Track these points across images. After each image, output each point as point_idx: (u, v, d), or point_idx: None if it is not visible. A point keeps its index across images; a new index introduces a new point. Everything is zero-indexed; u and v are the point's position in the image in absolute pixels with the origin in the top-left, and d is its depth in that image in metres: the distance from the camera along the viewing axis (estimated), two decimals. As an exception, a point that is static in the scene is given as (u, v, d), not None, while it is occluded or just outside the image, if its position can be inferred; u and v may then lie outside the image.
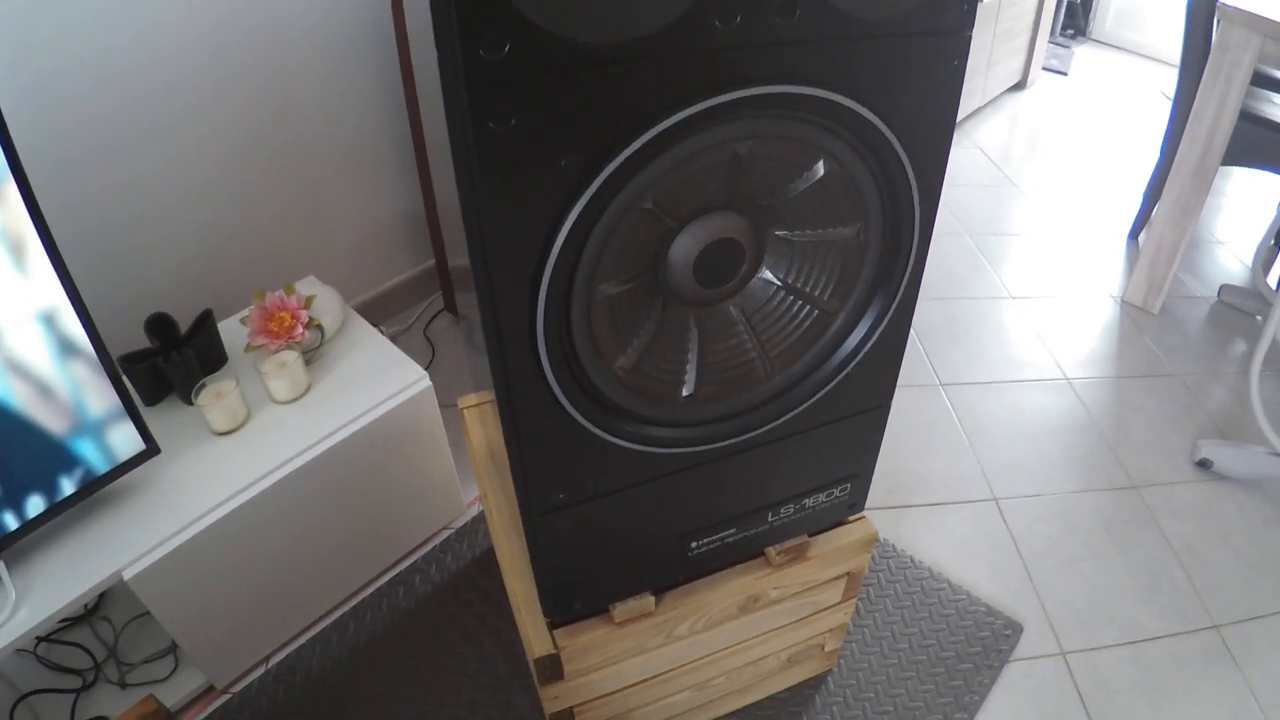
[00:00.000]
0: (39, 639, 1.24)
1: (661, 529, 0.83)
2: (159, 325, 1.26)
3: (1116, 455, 1.60)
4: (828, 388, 0.77)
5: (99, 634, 1.27)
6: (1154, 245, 1.95)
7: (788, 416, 0.78)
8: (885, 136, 0.64)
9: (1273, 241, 2.13)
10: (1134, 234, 2.24)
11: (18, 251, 0.95)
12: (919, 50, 0.63)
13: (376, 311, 1.77)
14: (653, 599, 0.89)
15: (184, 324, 1.26)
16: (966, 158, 2.60)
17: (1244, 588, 1.39)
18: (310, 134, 1.53)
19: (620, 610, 0.88)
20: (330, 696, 1.19)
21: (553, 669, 0.89)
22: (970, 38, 0.65)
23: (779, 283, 0.72)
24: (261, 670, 1.23)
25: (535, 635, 0.88)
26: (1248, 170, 2.55)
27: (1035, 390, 1.74)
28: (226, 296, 1.44)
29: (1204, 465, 1.59)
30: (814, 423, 0.81)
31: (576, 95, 0.53)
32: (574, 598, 0.84)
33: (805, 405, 0.78)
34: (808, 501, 0.89)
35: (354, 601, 1.31)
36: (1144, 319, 1.97)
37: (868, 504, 0.97)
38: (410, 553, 1.36)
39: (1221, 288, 2.09)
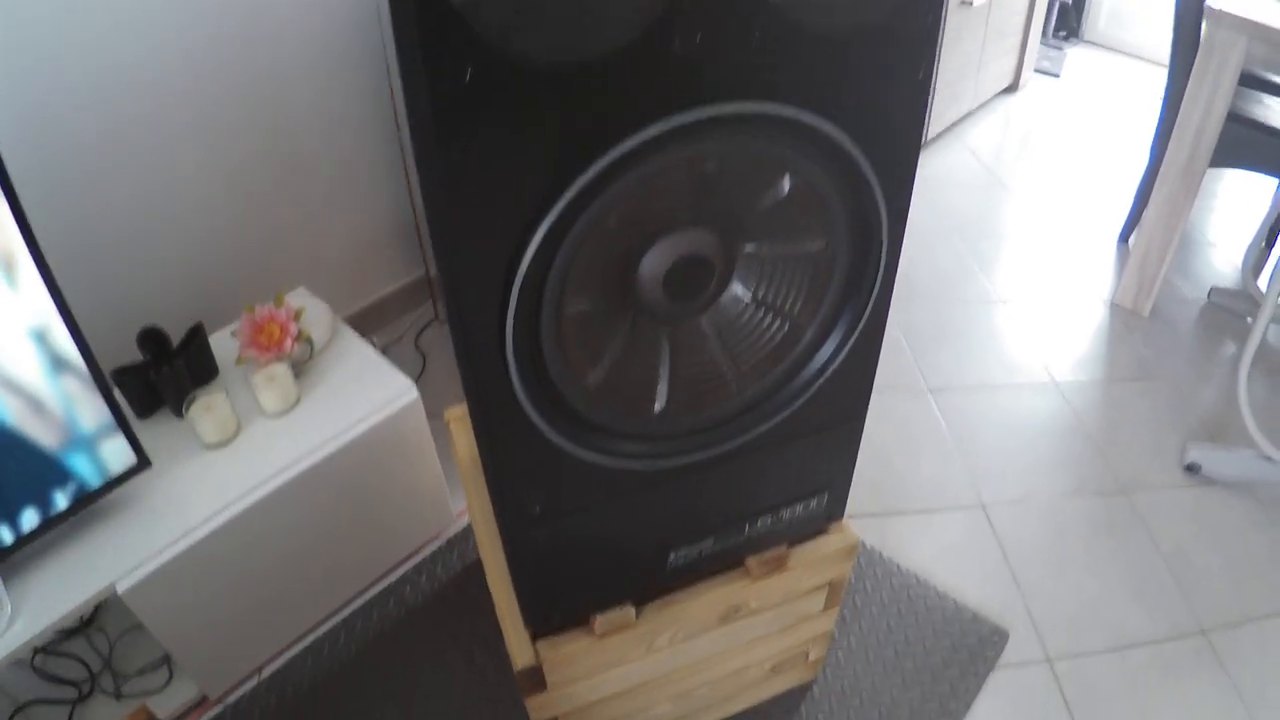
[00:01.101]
0: (36, 650, 1.25)
1: (639, 540, 0.83)
2: (151, 338, 1.26)
3: (1105, 459, 1.60)
4: (799, 401, 0.77)
5: (94, 645, 1.28)
6: (1143, 247, 1.95)
7: (760, 429, 0.78)
8: (849, 152, 0.65)
9: (1263, 243, 2.12)
10: (1124, 236, 2.24)
11: (9, 268, 0.96)
12: (883, 64, 0.63)
13: (369, 322, 1.78)
14: (633, 610, 0.89)
15: (176, 337, 1.27)
16: (958, 160, 2.60)
17: (1232, 591, 1.39)
18: (302, 148, 1.54)
19: (601, 622, 0.88)
20: (322, 706, 1.20)
21: (535, 680, 0.89)
22: (937, 49, 0.65)
23: (749, 297, 0.72)
24: (254, 681, 1.24)
25: (518, 646, 0.88)
26: (1239, 171, 2.54)
27: (1024, 394, 1.74)
28: (219, 309, 1.45)
29: (1193, 469, 1.59)
30: (788, 435, 0.81)
31: (539, 117, 0.53)
32: (554, 609, 0.84)
33: (778, 418, 0.78)
34: (784, 513, 0.89)
35: (345, 612, 1.31)
36: (1134, 321, 1.97)
37: (853, 511, 0.97)
38: (400, 563, 1.37)
39: (1211, 290, 2.09)
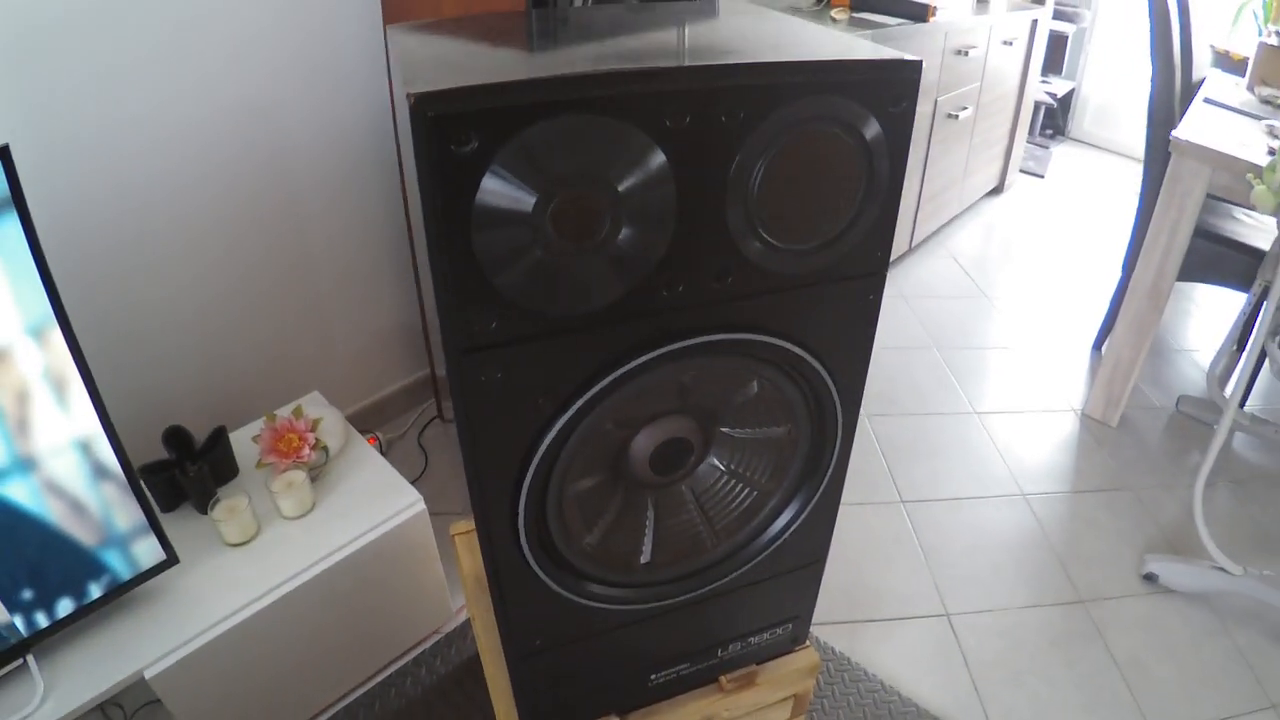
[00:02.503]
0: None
1: (625, 664, 0.96)
2: (175, 437, 1.40)
3: (1066, 570, 1.73)
4: (766, 553, 0.91)
5: (110, 718, 1.38)
6: (1112, 361, 2.11)
7: (731, 576, 0.92)
8: (810, 363, 0.79)
9: (1234, 348, 2.28)
10: (1098, 344, 2.40)
11: (60, 388, 1.09)
12: (839, 293, 0.79)
13: (373, 418, 1.92)
14: (617, 723, 1.02)
15: (196, 432, 1.40)
16: (940, 268, 2.77)
17: (1185, 700, 1.50)
18: (314, 254, 1.70)
19: (587, 734, 1.00)
20: (321, 795, 1.30)
21: (526, 786, 1.01)
22: (883, 280, 0.81)
23: (723, 469, 0.86)
24: (258, 766, 1.34)
25: (511, 755, 1.00)
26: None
27: (992, 506, 1.88)
28: (236, 405, 1.59)
29: (1150, 579, 1.72)
30: (756, 579, 0.95)
31: (548, 353, 0.68)
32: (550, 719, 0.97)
33: (747, 567, 0.92)
34: (754, 639, 1.02)
35: (349, 699, 1.42)
36: (1102, 432, 2.12)
37: (826, 618, 1.10)
38: (401, 655, 1.48)
39: (1180, 399, 2.24)
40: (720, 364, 0.77)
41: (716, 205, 0.68)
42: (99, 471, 1.16)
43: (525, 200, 0.60)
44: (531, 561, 0.78)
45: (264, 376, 1.71)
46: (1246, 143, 1.91)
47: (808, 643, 1.13)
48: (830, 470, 0.87)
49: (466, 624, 1.54)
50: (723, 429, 0.84)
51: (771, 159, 0.67)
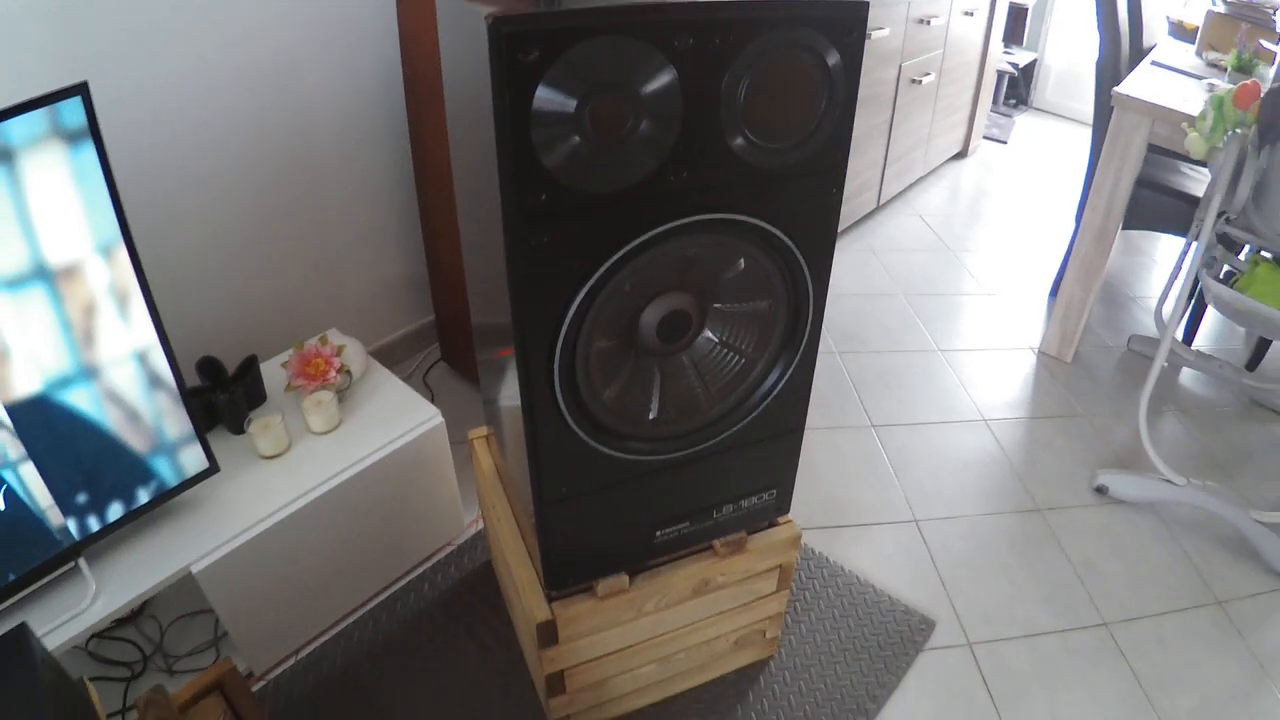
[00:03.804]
0: (92, 636, 1.54)
1: (634, 519, 1.19)
2: (209, 366, 1.61)
3: (1024, 484, 2.01)
4: (752, 415, 1.15)
5: (144, 633, 1.57)
6: (1065, 301, 2.39)
7: (724, 436, 1.15)
8: (786, 243, 1.04)
9: (1187, 299, 2.58)
10: (1054, 291, 2.69)
11: (122, 302, 1.28)
12: (808, 185, 1.03)
13: (381, 359, 2.13)
14: (627, 578, 1.25)
15: (227, 364, 1.61)
16: (908, 224, 3.06)
17: (1132, 593, 1.77)
18: (329, 208, 1.92)
19: (602, 586, 1.23)
20: (353, 683, 1.51)
21: (549, 634, 1.24)
22: (843, 177, 1.05)
23: (716, 340, 1.10)
24: (292, 661, 1.55)
25: (537, 607, 1.23)
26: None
27: (955, 430, 2.15)
28: (259, 342, 1.80)
29: (1101, 491, 2.00)
30: (745, 442, 1.19)
31: (584, 223, 0.91)
32: (568, 573, 1.20)
33: (737, 428, 1.16)
34: (743, 503, 1.26)
35: (371, 604, 1.64)
36: (1058, 367, 2.40)
37: (806, 524, 1.34)
38: (418, 565, 1.70)
39: (1130, 338, 2.53)
40: (714, 241, 1.00)
41: (712, 109, 0.91)
42: (153, 382, 1.35)
43: (569, 102, 0.83)
44: (563, 408, 1.01)
45: (284, 316, 1.92)
46: (1188, 99, 2.19)
47: (789, 518, 1.37)
48: (805, 339, 1.11)
49: (476, 537, 1.76)
50: (715, 305, 1.08)
51: (755, 75, 0.91)
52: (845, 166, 1.05)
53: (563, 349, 0.97)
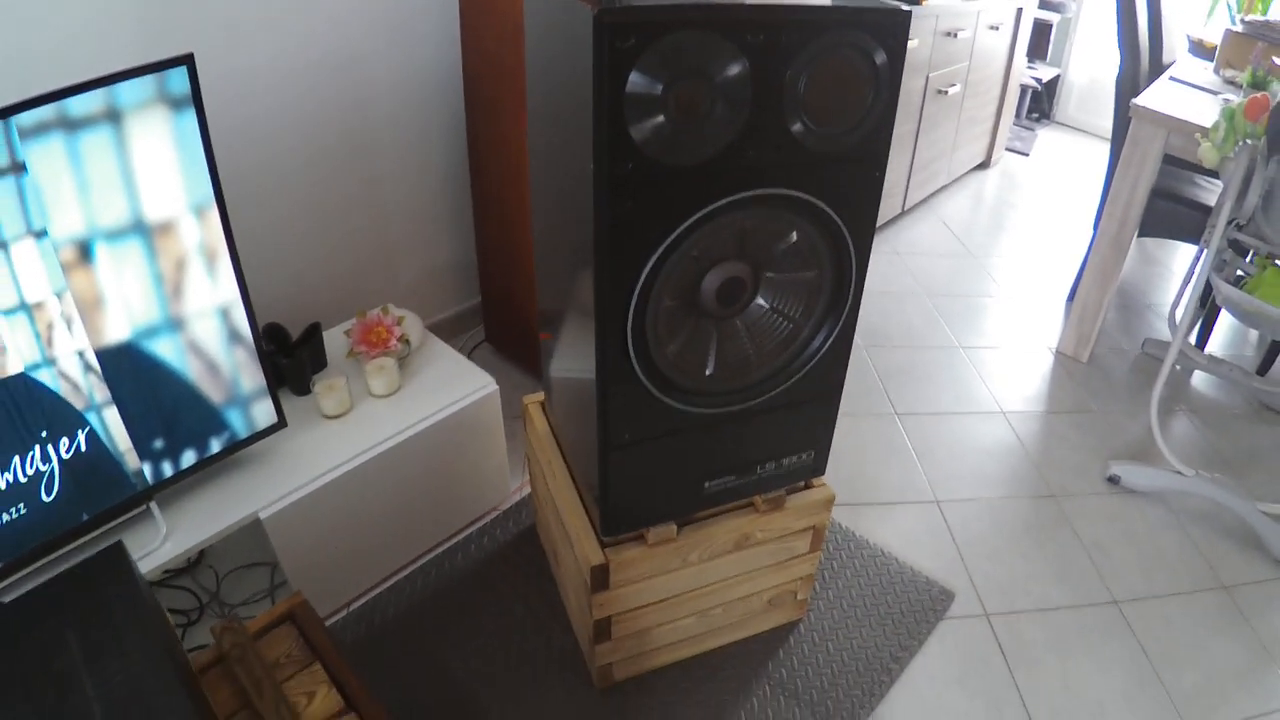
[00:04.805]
0: (151, 583, 1.69)
1: (686, 469, 1.35)
2: (274, 333, 1.77)
3: (1040, 472, 2.16)
4: (796, 377, 1.31)
5: (201, 583, 1.72)
6: (1082, 303, 2.56)
7: (771, 394, 1.32)
8: (833, 219, 1.20)
9: (1200, 304, 2.74)
10: (1072, 296, 2.85)
11: (211, 259, 1.40)
12: (855, 169, 1.20)
13: (429, 339, 2.31)
14: (675, 528, 1.41)
15: (290, 333, 1.78)
16: (930, 230, 3.24)
17: (1141, 576, 1.92)
18: (386, 196, 2.09)
19: (653, 534, 1.39)
20: (403, 633, 1.67)
21: (602, 577, 1.39)
22: (885, 163, 1.22)
23: (767, 306, 1.27)
24: (345, 612, 1.70)
25: (592, 552, 1.38)
26: (1178, 242, 3.20)
27: (975, 420, 2.31)
28: (319, 315, 1.96)
29: (1113, 481, 2.15)
30: (787, 401, 1.35)
31: (663, 191, 1.08)
32: (624, 519, 1.36)
33: (782, 388, 1.32)
34: (784, 460, 1.42)
35: (420, 562, 1.79)
36: (1074, 366, 2.56)
37: (836, 502, 1.49)
38: (466, 526, 1.86)
39: (1145, 341, 2.70)
40: (771, 214, 1.17)
41: (776, 97, 1.08)
42: (233, 336, 1.46)
43: (657, 85, 1.00)
44: (634, 359, 1.18)
45: (341, 294, 2.10)
46: (1202, 112, 2.36)
47: (824, 481, 1.53)
48: (848, 306, 1.28)
49: (520, 504, 1.92)
50: (768, 274, 1.24)
51: (813, 69, 1.08)
52: (887, 153, 1.22)
53: (636, 305, 1.13)
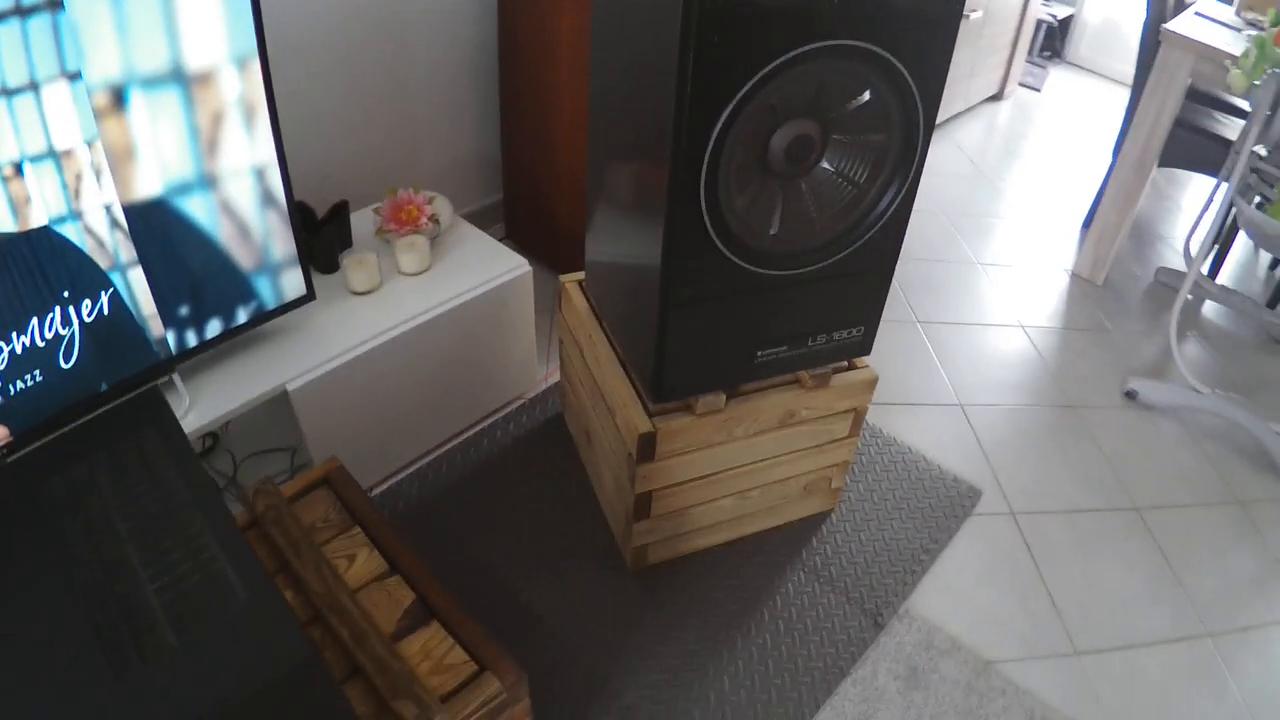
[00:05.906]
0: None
1: (741, 336, 1.38)
2: (300, 209, 1.76)
3: (1059, 385, 2.23)
4: (857, 244, 1.34)
5: (217, 468, 1.72)
6: (1100, 225, 2.61)
7: (829, 261, 1.34)
8: (905, 76, 1.22)
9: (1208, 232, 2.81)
10: (1087, 223, 2.91)
11: (249, 116, 1.36)
12: (930, 25, 1.21)
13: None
14: (724, 399, 1.44)
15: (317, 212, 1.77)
16: (946, 154, 3.28)
17: (1159, 487, 1.99)
18: (413, 82, 2.08)
19: (701, 404, 1.42)
20: (429, 517, 1.68)
21: (648, 446, 1.42)
22: (958, 23, 1.24)
23: (832, 169, 1.29)
24: (371, 495, 1.72)
25: (639, 419, 1.41)
26: (1191, 174, 3.27)
27: (994, 331, 2.37)
28: (343, 195, 1.95)
29: (1131, 395, 2.22)
30: (843, 272, 1.38)
31: (749, 30, 1.09)
32: (676, 383, 1.38)
33: (841, 254, 1.35)
34: (835, 334, 1.45)
35: (446, 447, 1.81)
36: (1089, 288, 2.63)
37: None
38: (493, 412, 1.88)
39: (1158, 270, 2.77)
40: (849, 69, 1.18)
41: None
42: (266, 199, 1.43)
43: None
44: (704, 208, 1.19)
45: (365, 181, 2.09)
46: (1229, 44, 2.41)
47: (868, 363, 1.57)
48: (912, 170, 1.31)
49: (548, 391, 1.94)
50: (835, 136, 1.26)
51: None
52: (960, 14, 1.24)
53: (712, 152, 1.15)
